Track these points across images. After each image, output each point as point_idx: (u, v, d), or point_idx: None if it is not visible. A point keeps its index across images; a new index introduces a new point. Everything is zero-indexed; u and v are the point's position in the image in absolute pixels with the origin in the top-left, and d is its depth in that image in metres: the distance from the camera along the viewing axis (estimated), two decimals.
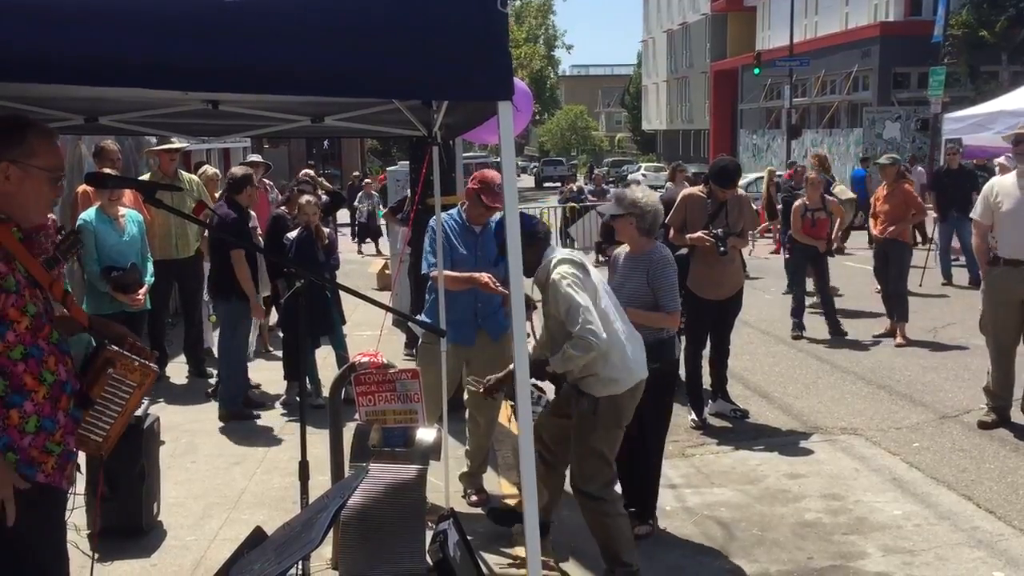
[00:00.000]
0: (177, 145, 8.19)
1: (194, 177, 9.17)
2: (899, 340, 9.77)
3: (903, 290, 10.00)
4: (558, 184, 40.11)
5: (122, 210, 6.85)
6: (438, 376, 5.22)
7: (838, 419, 7.40)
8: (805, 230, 10.00)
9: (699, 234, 6.95)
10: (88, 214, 6.73)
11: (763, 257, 16.70)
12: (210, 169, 9.83)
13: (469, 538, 4.24)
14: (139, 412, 2.96)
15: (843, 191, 12.73)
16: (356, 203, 21.05)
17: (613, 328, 4.34)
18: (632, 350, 4.42)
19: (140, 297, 6.74)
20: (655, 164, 50.84)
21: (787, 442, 6.89)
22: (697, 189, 7.37)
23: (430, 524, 4.54)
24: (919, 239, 13.73)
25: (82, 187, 7.74)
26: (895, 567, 4.82)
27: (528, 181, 55.53)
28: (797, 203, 10.30)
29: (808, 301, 10.86)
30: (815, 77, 39.37)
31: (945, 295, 12.53)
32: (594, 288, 4.35)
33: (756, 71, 36.88)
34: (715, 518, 5.52)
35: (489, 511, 5.15)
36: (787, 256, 10.89)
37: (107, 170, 7.10)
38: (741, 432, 7.15)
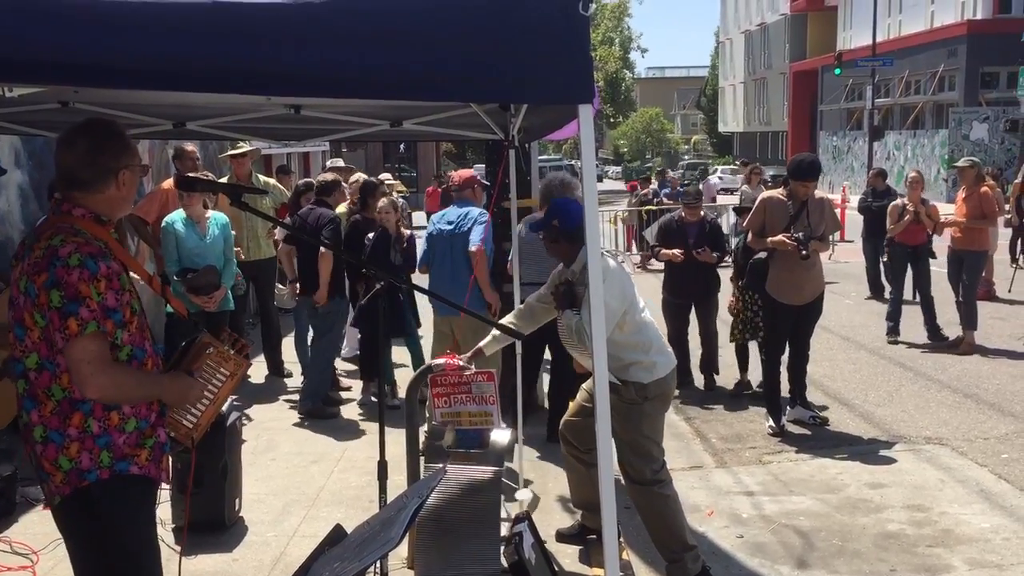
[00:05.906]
0: (244, 149, 8.38)
1: (270, 180, 9.37)
2: (963, 348, 9.53)
3: (973, 298, 9.71)
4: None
5: (209, 212, 7.00)
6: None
7: (922, 428, 7.20)
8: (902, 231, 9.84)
9: (780, 237, 6.83)
10: (173, 216, 6.87)
11: (842, 261, 16.39)
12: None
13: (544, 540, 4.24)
14: (224, 408, 3.00)
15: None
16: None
17: (645, 316, 4.45)
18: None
19: (211, 301, 6.74)
20: (731, 166, 50.25)
21: (869, 451, 6.73)
22: (777, 192, 7.23)
23: (505, 526, 4.56)
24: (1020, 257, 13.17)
25: (167, 183, 7.90)
26: None
27: (607, 184, 55.48)
28: (895, 203, 10.09)
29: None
30: (899, 77, 38.41)
31: None
32: (630, 284, 4.45)
33: (837, 71, 36.09)
34: (794, 527, 5.42)
35: (557, 534, 5.12)
36: (885, 259, 10.62)
37: (191, 173, 7.27)
38: (820, 440, 7.00)
